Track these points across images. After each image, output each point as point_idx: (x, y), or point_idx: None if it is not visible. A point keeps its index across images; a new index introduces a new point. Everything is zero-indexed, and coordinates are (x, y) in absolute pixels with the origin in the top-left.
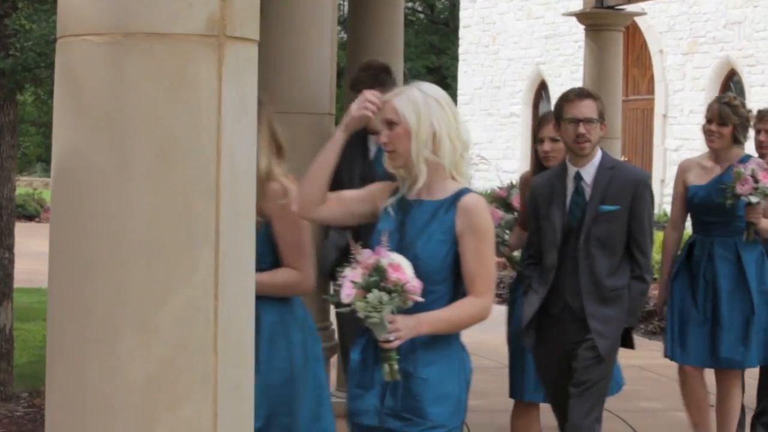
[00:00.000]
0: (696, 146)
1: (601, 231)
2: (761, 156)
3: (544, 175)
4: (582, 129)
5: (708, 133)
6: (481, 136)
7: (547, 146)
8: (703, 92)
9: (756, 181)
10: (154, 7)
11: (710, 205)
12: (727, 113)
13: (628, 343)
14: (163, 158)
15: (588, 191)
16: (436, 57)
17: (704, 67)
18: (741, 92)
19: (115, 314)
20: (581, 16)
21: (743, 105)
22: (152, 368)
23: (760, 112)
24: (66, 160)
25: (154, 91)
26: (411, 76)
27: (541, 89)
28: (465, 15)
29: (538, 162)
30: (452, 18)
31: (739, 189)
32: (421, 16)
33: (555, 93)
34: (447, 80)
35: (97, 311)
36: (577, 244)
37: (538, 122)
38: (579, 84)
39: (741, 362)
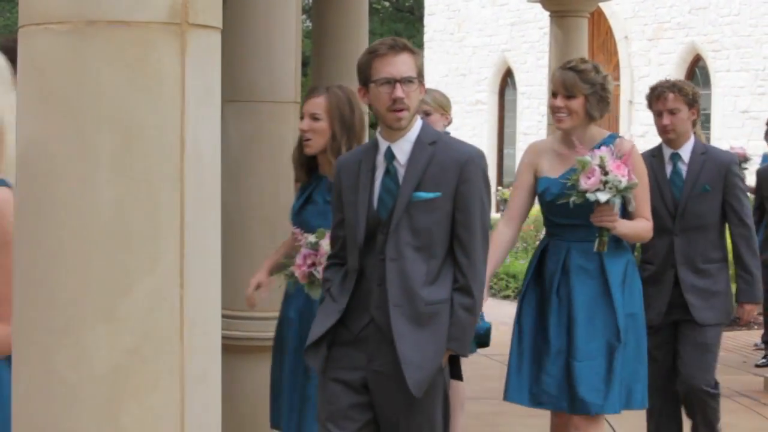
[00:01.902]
0: None
1: (416, 225)
2: (666, 142)
3: (354, 151)
4: (399, 92)
5: (554, 110)
6: None
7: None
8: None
9: (605, 173)
10: None
11: (563, 205)
12: (573, 82)
13: (455, 372)
14: (127, 147)
15: (401, 173)
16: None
17: (669, 52)
18: (706, 78)
19: (80, 304)
20: (546, 3)
21: (596, 69)
22: (118, 358)
23: (654, 89)
24: (29, 150)
25: (117, 80)
26: None
27: (507, 76)
28: (430, 3)
29: None
30: (417, 6)
31: (584, 183)
32: (386, 4)
33: (521, 80)
34: None
35: (61, 301)
36: (386, 242)
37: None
38: (545, 71)
39: (601, 406)
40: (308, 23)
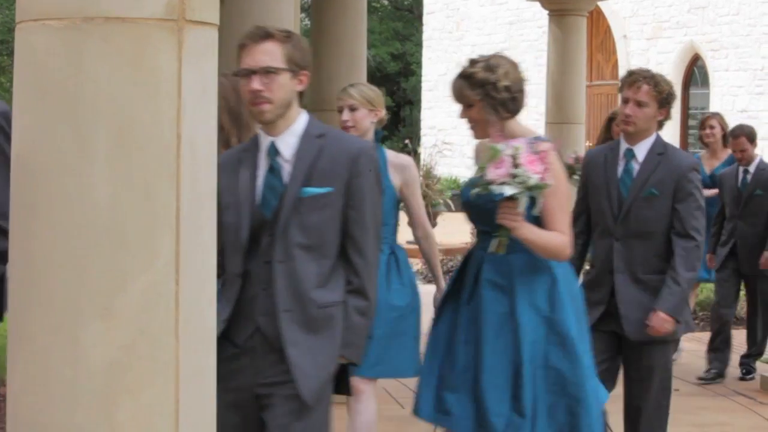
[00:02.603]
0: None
1: (306, 223)
2: (625, 136)
3: (233, 149)
4: (255, 84)
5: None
6: (446, 122)
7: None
8: (667, 77)
9: (515, 165)
10: None
11: (481, 207)
12: (460, 91)
13: (342, 386)
14: (124, 143)
15: (287, 169)
16: (400, 44)
17: (668, 52)
18: (705, 77)
19: (76, 300)
20: (545, 2)
21: (490, 67)
22: (114, 354)
23: (630, 74)
24: (26, 146)
25: (114, 76)
26: (375, 62)
27: None
28: (429, 1)
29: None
30: (416, 4)
31: (491, 173)
32: (385, 2)
33: None
34: (411, 66)
35: (58, 298)
36: (272, 244)
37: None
38: (544, 70)
39: None
40: (307, 22)
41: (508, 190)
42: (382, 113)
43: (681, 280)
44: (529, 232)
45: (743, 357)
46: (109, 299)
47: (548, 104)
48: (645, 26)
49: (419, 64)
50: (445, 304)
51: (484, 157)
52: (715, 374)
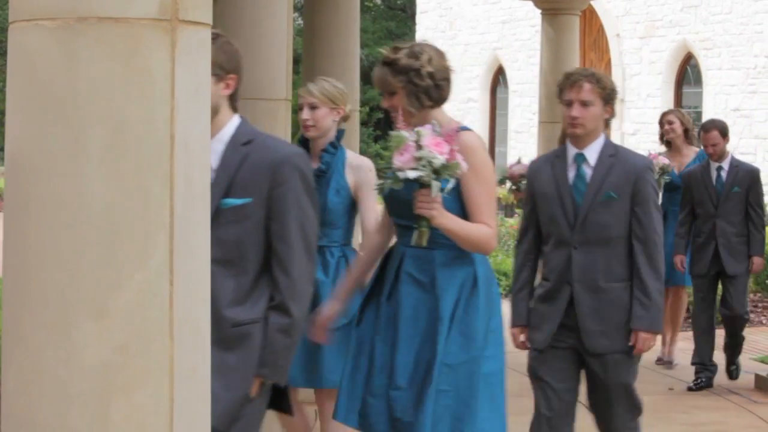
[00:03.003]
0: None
1: (222, 236)
2: (572, 140)
3: None
4: None
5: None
6: None
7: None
8: (660, 76)
9: (419, 148)
10: None
11: (397, 200)
12: (383, 78)
13: (282, 404)
14: (117, 143)
15: (212, 178)
16: (392, 42)
17: (661, 50)
18: (698, 76)
19: (70, 300)
20: (537, 1)
21: (413, 55)
22: (108, 354)
23: (569, 76)
24: (19, 146)
25: (107, 76)
26: (368, 62)
27: (499, 74)
28: (422, 0)
29: None
30: (409, 3)
31: (396, 161)
32: (378, 1)
33: (512, 78)
34: None
35: (51, 297)
36: None
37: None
38: (537, 69)
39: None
40: (300, 21)
41: (412, 174)
42: (345, 111)
43: (651, 291)
44: (449, 221)
45: (702, 366)
46: (103, 299)
47: (541, 103)
48: (638, 25)
49: None
50: (367, 304)
51: (390, 148)
52: (705, 383)
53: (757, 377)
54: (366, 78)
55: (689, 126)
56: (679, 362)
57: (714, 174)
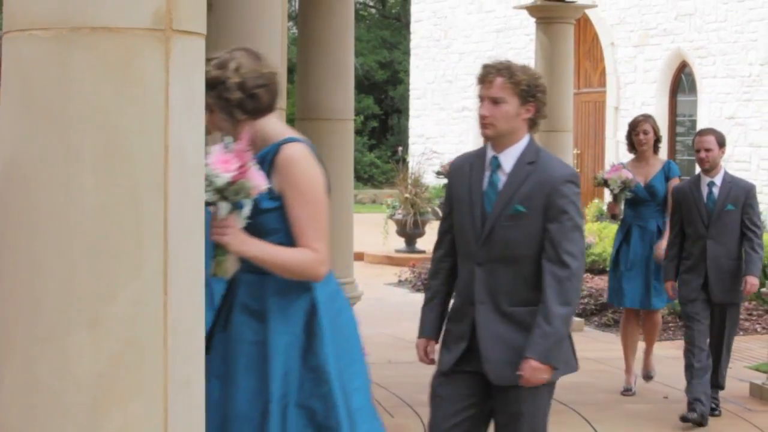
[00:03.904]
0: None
1: None
2: (488, 141)
3: None
4: None
5: None
6: (433, 130)
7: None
8: (655, 84)
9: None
10: (101, 1)
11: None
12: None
13: None
14: (111, 153)
15: None
16: (387, 52)
17: (655, 59)
18: (692, 84)
19: (64, 311)
20: (532, 9)
21: (221, 65)
22: (102, 364)
23: (483, 68)
24: (13, 156)
25: (101, 86)
26: (363, 71)
27: None
28: (416, 9)
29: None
30: (404, 12)
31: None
32: (373, 11)
33: None
34: (399, 75)
35: (45, 308)
36: None
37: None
38: None
39: None
40: (294, 30)
41: (210, 197)
42: None
43: (553, 317)
44: (254, 248)
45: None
46: (97, 309)
47: None
48: (632, 33)
49: (407, 72)
50: (212, 334)
51: None
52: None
53: (752, 385)
54: (360, 87)
55: (659, 135)
56: (657, 373)
57: (705, 190)
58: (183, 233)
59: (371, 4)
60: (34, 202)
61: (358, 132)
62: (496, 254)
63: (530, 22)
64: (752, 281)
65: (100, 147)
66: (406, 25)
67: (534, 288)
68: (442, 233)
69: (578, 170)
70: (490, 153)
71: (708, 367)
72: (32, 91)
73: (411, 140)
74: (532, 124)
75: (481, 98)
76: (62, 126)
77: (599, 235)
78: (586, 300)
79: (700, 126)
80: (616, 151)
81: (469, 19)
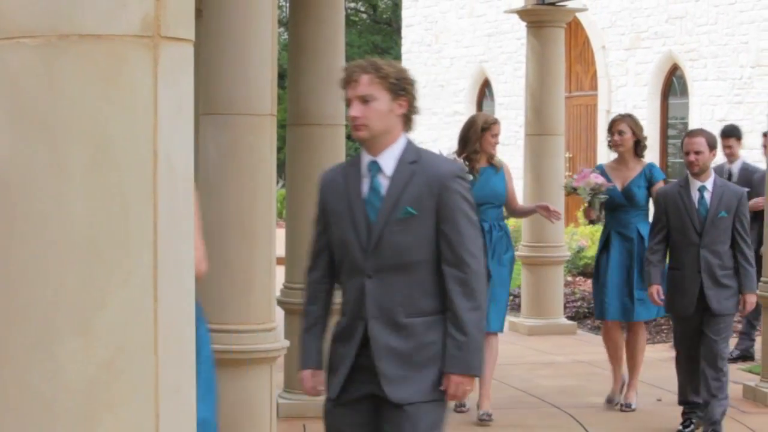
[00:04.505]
0: None
1: None
2: (362, 145)
3: None
4: None
5: None
6: (425, 135)
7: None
8: (646, 87)
9: None
10: (88, 8)
11: None
12: None
13: None
14: (99, 160)
15: None
16: (379, 57)
17: (647, 62)
18: (684, 87)
19: (54, 318)
20: (523, 13)
21: None
22: (92, 371)
23: (346, 69)
24: (1, 164)
25: (90, 93)
26: None
27: (485, 87)
28: (407, 14)
29: None
30: (395, 17)
31: None
32: (364, 16)
33: (498, 91)
34: None
35: (35, 315)
36: None
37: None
38: (522, 82)
39: None
40: (285, 36)
41: None
42: None
43: (466, 325)
44: None
45: (689, 405)
46: (87, 316)
47: (527, 116)
48: (623, 37)
49: None
50: None
51: None
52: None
53: (745, 387)
54: None
55: (641, 137)
56: (637, 406)
57: (696, 195)
58: (172, 240)
59: (362, 9)
60: (23, 209)
61: (350, 137)
62: (386, 263)
63: (521, 26)
64: (751, 300)
65: (88, 154)
66: (397, 30)
67: (431, 295)
68: (316, 253)
69: (570, 173)
70: (366, 158)
71: (698, 388)
72: (20, 98)
73: None
74: (407, 121)
75: (349, 100)
76: (50, 133)
77: (591, 239)
78: (578, 303)
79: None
80: (608, 155)
81: (460, 24)
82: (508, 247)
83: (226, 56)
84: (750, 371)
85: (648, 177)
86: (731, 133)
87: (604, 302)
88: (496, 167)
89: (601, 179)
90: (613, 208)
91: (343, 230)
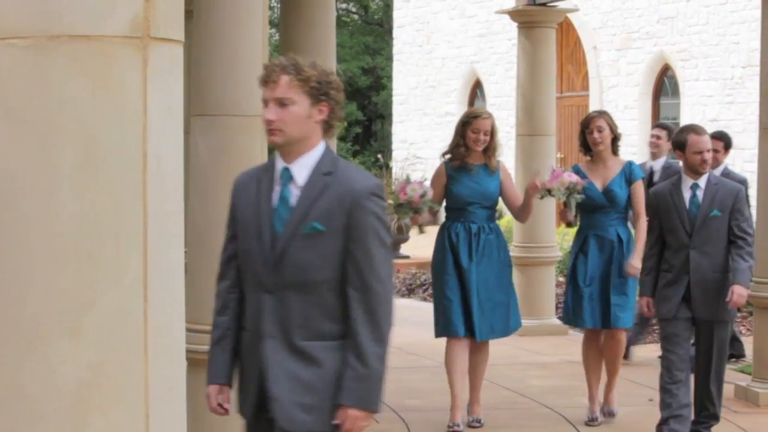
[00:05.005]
0: (632, 141)
1: None
2: (277, 148)
3: None
4: None
5: None
6: (417, 135)
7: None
8: (637, 88)
9: None
10: (78, 9)
11: None
12: None
13: None
14: (89, 161)
15: None
16: (370, 57)
17: (638, 62)
18: (675, 87)
19: (45, 319)
20: (514, 14)
21: None
22: (83, 372)
23: (265, 67)
24: None
25: (80, 94)
26: (346, 77)
27: (476, 88)
28: (399, 15)
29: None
30: (386, 18)
31: None
32: (355, 16)
33: (490, 91)
34: (382, 80)
35: (26, 317)
36: None
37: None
38: (514, 82)
39: None
40: (276, 37)
41: None
42: None
43: (368, 357)
44: None
45: (695, 423)
46: (77, 317)
47: (519, 116)
48: (615, 37)
49: (390, 78)
50: None
51: None
52: None
53: (737, 387)
54: (344, 93)
55: (617, 133)
56: (618, 411)
57: (687, 194)
58: (162, 240)
59: (354, 10)
60: (13, 210)
61: (342, 138)
62: (287, 280)
63: (512, 27)
64: (739, 291)
65: (78, 154)
66: (389, 31)
67: (333, 319)
68: (226, 261)
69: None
70: (280, 164)
71: (686, 406)
72: (11, 99)
73: (394, 146)
74: (328, 128)
75: (266, 101)
76: (40, 134)
77: None
78: None
79: None
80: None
81: (451, 25)
82: (500, 249)
83: (216, 57)
84: (742, 371)
85: (627, 176)
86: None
87: (581, 307)
88: (491, 169)
89: (575, 177)
90: (592, 210)
91: (248, 239)
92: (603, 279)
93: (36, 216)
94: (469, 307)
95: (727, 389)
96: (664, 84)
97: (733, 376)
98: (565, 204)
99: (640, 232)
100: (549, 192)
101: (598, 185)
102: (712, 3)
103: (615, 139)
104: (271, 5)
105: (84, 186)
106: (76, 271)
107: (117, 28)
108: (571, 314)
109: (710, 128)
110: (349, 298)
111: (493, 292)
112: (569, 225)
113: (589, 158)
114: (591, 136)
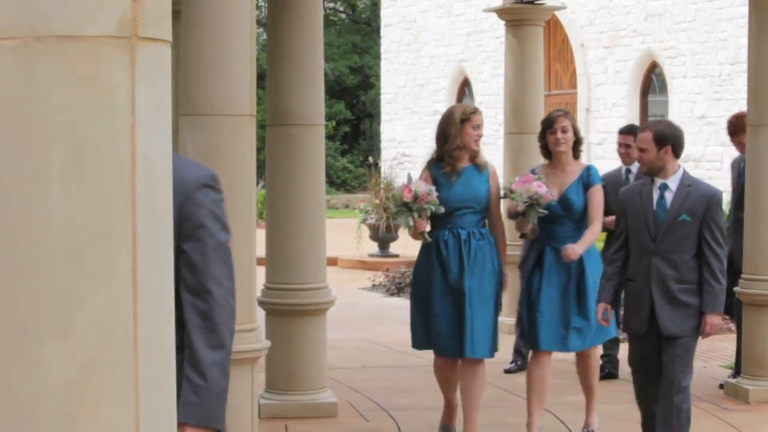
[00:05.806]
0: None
1: None
2: None
3: None
4: None
5: None
6: (405, 134)
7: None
8: (625, 85)
9: None
10: (65, 9)
11: None
12: None
13: None
14: (77, 162)
15: None
16: (358, 56)
17: (626, 60)
18: (663, 84)
19: (33, 320)
20: (501, 12)
21: None
22: (72, 372)
23: None
24: None
25: (67, 95)
26: (334, 76)
27: (464, 86)
28: (386, 14)
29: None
30: (374, 17)
31: None
32: (343, 16)
33: (478, 90)
34: (370, 79)
35: (14, 318)
36: None
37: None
38: (502, 81)
39: None
40: (264, 36)
41: None
42: None
43: (206, 367)
44: None
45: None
46: (66, 318)
47: (506, 114)
48: (602, 35)
49: (378, 76)
50: None
51: None
52: None
53: (727, 384)
54: (331, 92)
55: (580, 136)
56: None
57: (656, 195)
58: (151, 240)
59: (341, 9)
60: (1, 212)
61: (330, 137)
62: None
63: (500, 25)
64: (712, 321)
65: (66, 156)
66: (377, 30)
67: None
68: None
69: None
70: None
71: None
72: None
73: (383, 144)
74: None
75: None
76: (27, 135)
77: None
78: None
79: None
80: (588, 153)
81: (439, 23)
82: (492, 257)
83: (204, 57)
84: (731, 368)
85: (585, 181)
86: (631, 131)
87: (536, 330)
88: (479, 167)
89: (543, 190)
90: (548, 220)
91: None
92: (561, 297)
93: (24, 216)
94: (462, 324)
95: (717, 386)
96: (652, 81)
97: (722, 373)
98: (523, 213)
99: (589, 230)
100: (511, 193)
101: (555, 192)
102: (699, 0)
103: (577, 142)
104: (259, 4)
105: (72, 186)
106: (65, 271)
107: (104, 28)
108: (525, 335)
109: (699, 125)
110: (183, 302)
111: (480, 306)
112: (524, 237)
113: (547, 161)
114: (553, 136)
